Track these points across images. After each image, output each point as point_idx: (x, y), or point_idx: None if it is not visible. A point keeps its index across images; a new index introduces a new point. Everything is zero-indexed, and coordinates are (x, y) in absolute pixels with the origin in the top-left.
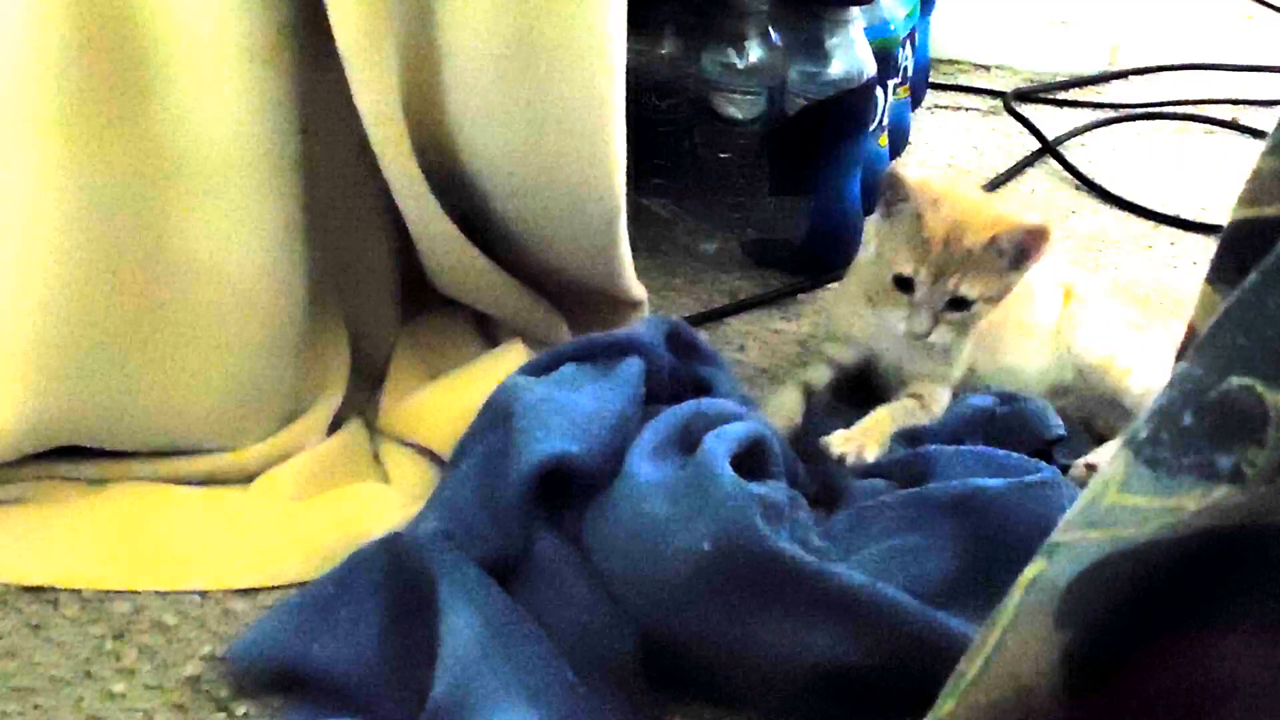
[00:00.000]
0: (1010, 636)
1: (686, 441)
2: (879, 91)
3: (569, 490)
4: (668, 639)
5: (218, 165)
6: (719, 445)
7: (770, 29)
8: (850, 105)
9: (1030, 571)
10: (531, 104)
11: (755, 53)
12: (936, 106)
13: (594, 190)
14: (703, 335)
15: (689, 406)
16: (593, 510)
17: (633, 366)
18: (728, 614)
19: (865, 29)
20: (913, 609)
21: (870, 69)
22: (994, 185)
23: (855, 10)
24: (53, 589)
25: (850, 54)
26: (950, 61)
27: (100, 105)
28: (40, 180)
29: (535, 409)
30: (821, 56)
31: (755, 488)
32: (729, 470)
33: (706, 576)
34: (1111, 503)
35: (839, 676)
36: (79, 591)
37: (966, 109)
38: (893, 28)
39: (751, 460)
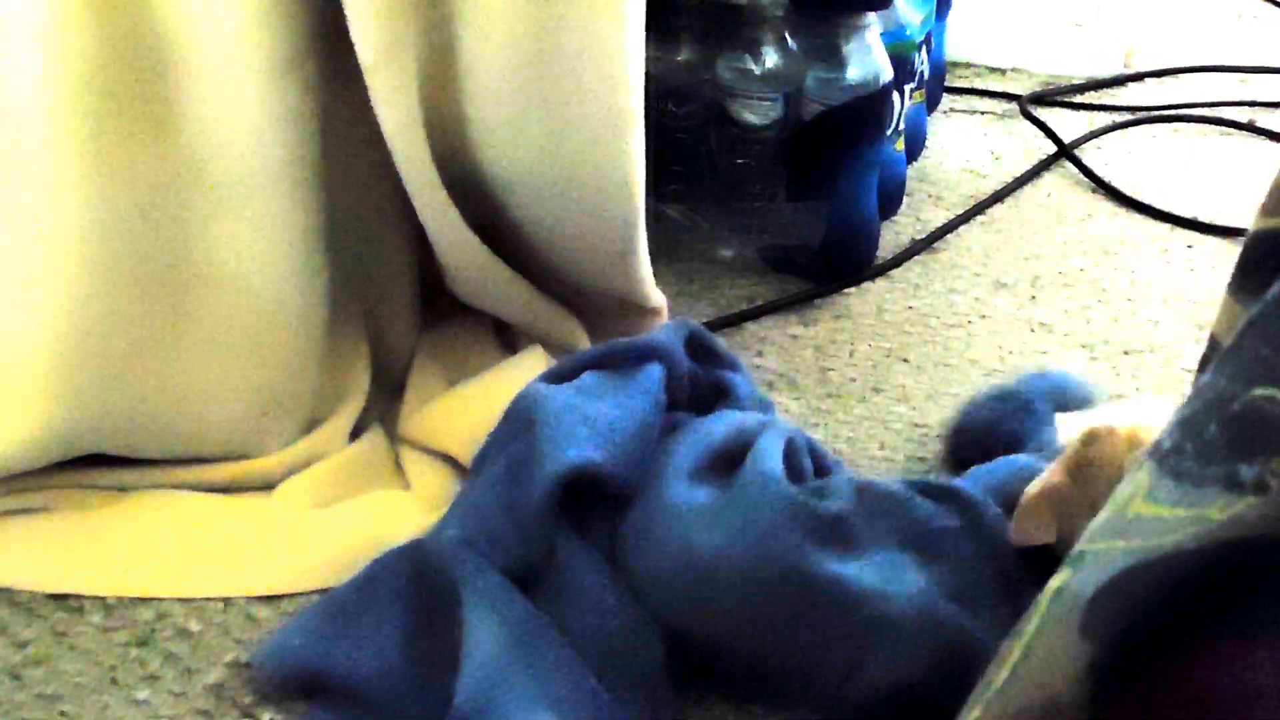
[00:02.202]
0: (1036, 646)
1: (724, 461)
2: (895, 96)
3: (592, 498)
4: (716, 657)
5: (240, 175)
6: (769, 462)
7: (786, 35)
8: (867, 110)
9: (1056, 581)
10: (550, 113)
11: (771, 59)
12: (952, 110)
13: (613, 198)
14: (721, 340)
15: (724, 427)
16: (629, 537)
17: (653, 373)
18: (781, 639)
19: (881, 34)
20: (966, 626)
21: (886, 74)
22: (1011, 190)
23: (871, 16)
24: (77, 596)
25: (867, 59)
26: (965, 65)
27: (123, 117)
28: (64, 192)
29: (558, 417)
30: (838, 62)
31: (808, 500)
32: (783, 489)
33: (760, 604)
34: (1137, 513)
35: (889, 693)
36: (103, 599)
37: (982, 113)
38: (909, 32)
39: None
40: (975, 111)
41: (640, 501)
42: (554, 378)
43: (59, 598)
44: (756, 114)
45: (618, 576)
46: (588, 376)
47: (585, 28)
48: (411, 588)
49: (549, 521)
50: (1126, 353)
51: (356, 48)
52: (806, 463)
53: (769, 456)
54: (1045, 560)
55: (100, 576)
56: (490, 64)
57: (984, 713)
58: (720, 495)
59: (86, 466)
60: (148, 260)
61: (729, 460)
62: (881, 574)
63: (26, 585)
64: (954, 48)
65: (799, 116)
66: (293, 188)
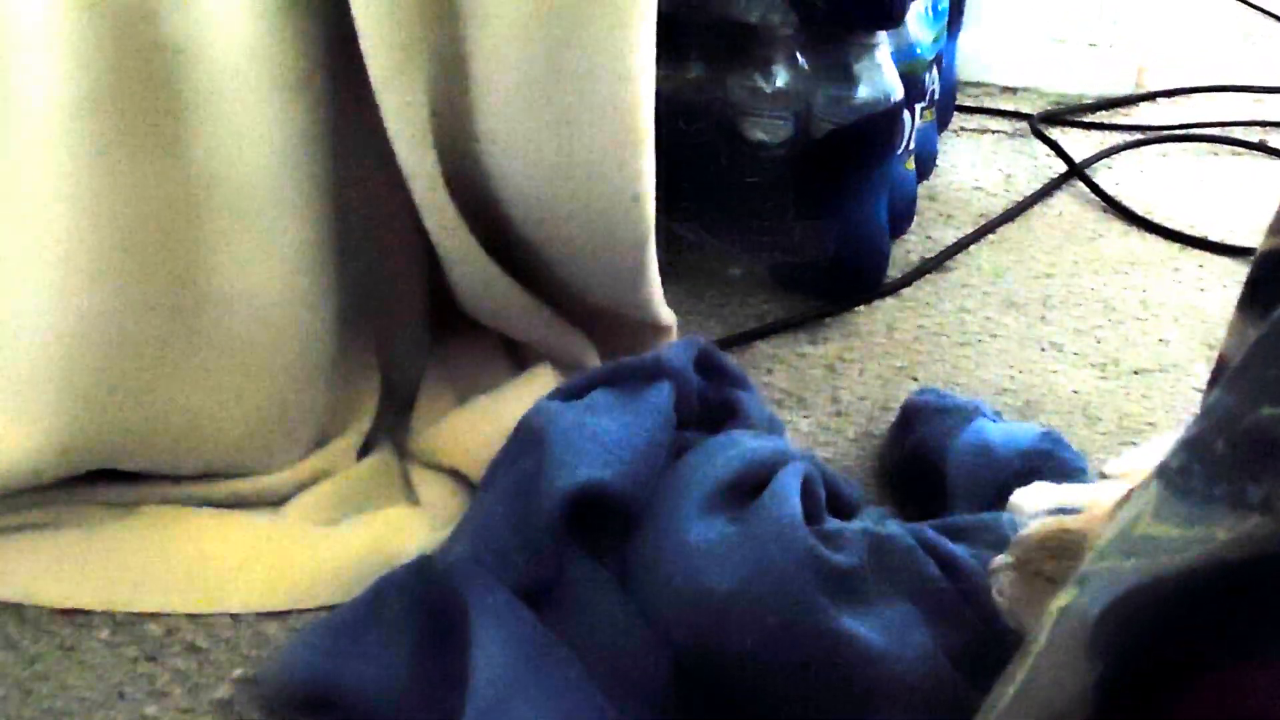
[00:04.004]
0: (1042, 665)
1: (737, 493)
2: (906, 115)
3: (601, 516)
4: (723, 691)
5: (249, 193)
6: (786, 506)
7: (797, 54)
8: (877, 129)
9: (1061, 600)
10: (561, 131)
11: (782, 77)
12: (963, 129)
13: (624, 216)
14: (730, 358)
15: (738, 457)
16: (639, 569)
17: (662, 391)
18: (787, 687)
19: (892, 53)
20: (969, 695)
21: (897, 93)
22: (1021, 209)
23: (882, 34)
24: (85, 612)
25: (877, 78)
26: (976, 84)
27: (134, 133)
28: (74, 208)
29: (567, 435)
30: (848, 81)
31: (822, 550)
32: (799, 536)
33: (768, 650)
34: (1143, 532)
35: None
36: (111, 614)
37: (993, 132)
38: (919, 51)
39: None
40: (986, 131)
41: (650, 531)
42: (563, 395)
43: (67, 613)
44: (767, 132)
45: (626, 595)
46: (597, 394)
47: (596, 46)
48: (419, 605)
49: (557, 540)
50: (1137, 372)
51: (367, 65)
52: (823, 499)
53: (786, 498)
54: None
55: (109, 592)
56: (501, 81)
57: None
58: (734, 532)
59: (95, 482)
60: (157, 276)
61: (742, 492)
62: (890, 633)
63: (35, 600)
64: (965, 67)
65: (809, 135)
66: (303, 204)
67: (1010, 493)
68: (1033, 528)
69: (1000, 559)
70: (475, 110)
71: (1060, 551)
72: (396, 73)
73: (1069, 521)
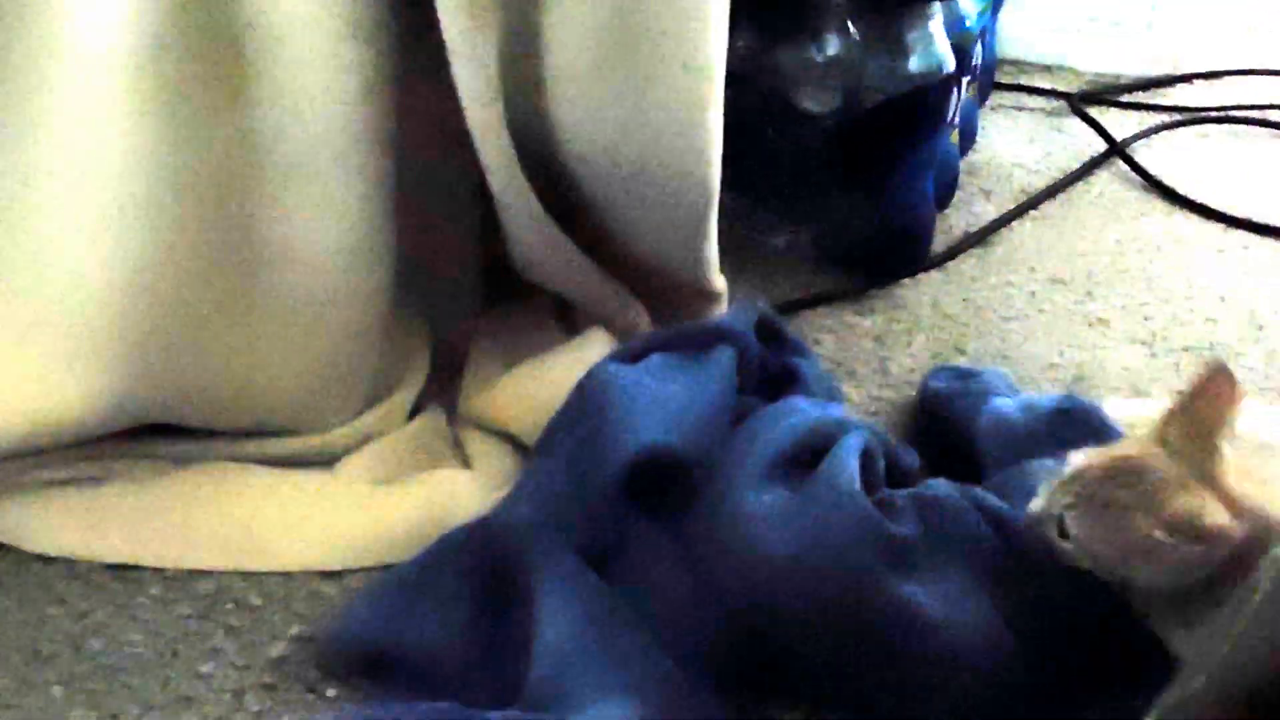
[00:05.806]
0: (1264, 615)
1: (797, 461)
2: (955, 88)
3: (663, 481)
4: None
5: (310, 148)
6: (844, 474)
7: (848, 23)
8: (928, 101)
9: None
10: (632, 91)
11: (832, 46)
12: (1000, 106)
13: (690, 178)
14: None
15: (798, 424)
16: (698, 533)
17: (724, 355)
18: (846, 655)
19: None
20: (1028, 661)
21: (949, 64)
22: (1062, 186)
23: (936, 5)
24: (136, 568)
25: (930, 49)
26: (1013, 61)
27: (196, 87)
28: (136, 162)
29: (629, 399)
30: (900, 51)
31: (881, 519)
32: (858, 504)
33: (828, 618)
34: None
35: None
36: (162, 571)
37: (1029, 109)
38: (969, 24)
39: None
40: (1023, 108)
41: (710, 497)
42: (622, 359)
43: (117, 568)
44: (816, 102)
45: (686, 561)
46: (656, 358)
47: (668, 8)
48: (478, 566)
49: (620, 504)
50: (1186, 349)
51: (440, 22)
52: (882, 469)
53: (845, 467)
54: (1096, 598)
55: (160, 548)
56: (572, 41)
57: (1209, 680)
58: (792, 500)
59: (147, 437)
60: (215, 232)
61: (802, 460)
62: (949, 603)
63: (84, 555)
64: (1003, 44)
65: (859, 105)
66: (363, 162)
67: (1039, 457)
68: (1082, 463)
69: (1040, 503)
70: (545, 70)
71: (1127, 479)
72: (468, 30)
73: (1116, 450)
